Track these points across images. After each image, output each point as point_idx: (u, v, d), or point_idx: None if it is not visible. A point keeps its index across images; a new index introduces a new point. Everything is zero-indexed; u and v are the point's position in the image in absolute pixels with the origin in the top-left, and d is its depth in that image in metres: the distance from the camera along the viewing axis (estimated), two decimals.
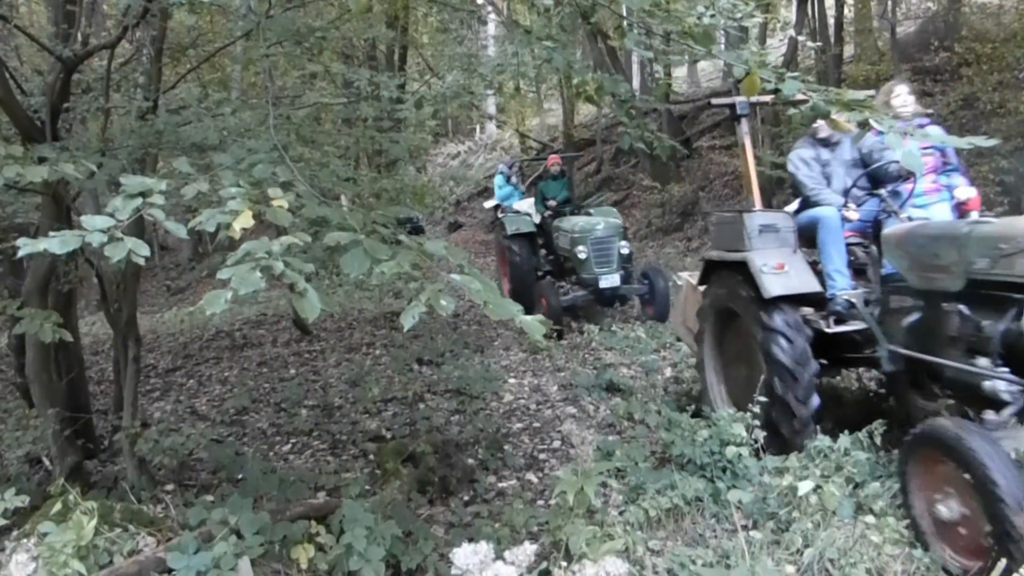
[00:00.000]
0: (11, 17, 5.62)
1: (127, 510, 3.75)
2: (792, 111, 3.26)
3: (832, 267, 5.15)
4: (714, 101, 6.44)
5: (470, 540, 3.22)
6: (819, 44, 12.87)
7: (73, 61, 5.09)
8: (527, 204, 12.63)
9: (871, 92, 5.69)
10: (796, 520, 4.09)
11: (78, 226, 2.35)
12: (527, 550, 1.94)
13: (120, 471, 5.76)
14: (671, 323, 8.16)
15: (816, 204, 5.50)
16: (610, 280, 10.20)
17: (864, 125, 3.05)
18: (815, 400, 4.92)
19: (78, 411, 6.21)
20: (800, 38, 5.59)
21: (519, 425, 6.96)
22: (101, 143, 5.16)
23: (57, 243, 2.29)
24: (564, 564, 2.84)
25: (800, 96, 3.20)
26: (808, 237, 5.36)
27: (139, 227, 4.39)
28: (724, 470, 4.66)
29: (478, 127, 35.87)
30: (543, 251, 12.05)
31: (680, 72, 26.56)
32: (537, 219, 12.06)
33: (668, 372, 7.91)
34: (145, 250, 2.36)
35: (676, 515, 4.36)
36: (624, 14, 4.28)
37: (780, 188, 14.07)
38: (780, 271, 5.05)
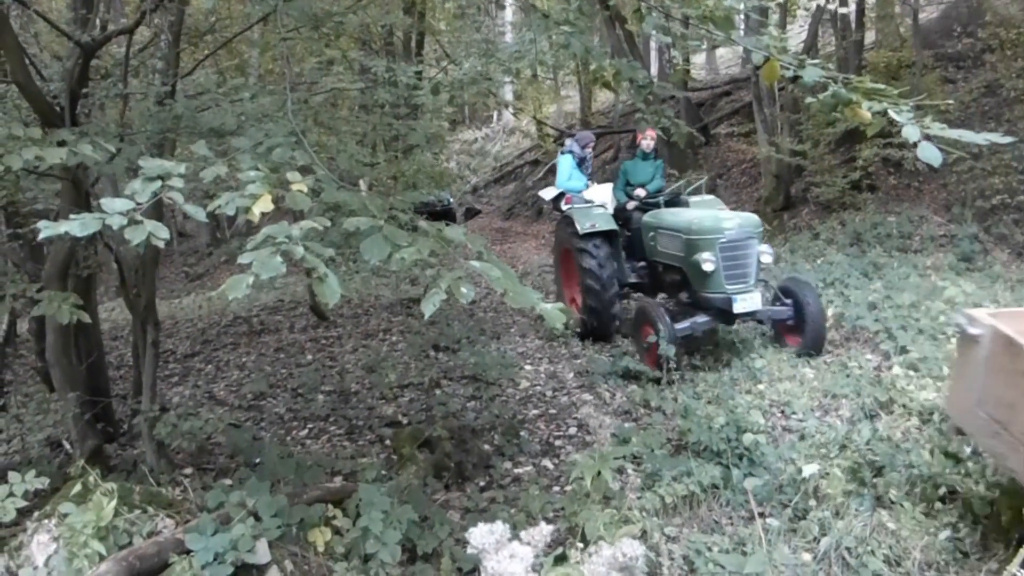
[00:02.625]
0: (30, 2, 5.64)
1: (146, 492, 3.79)
2: (810, 99, 3.20)
3: None
4: None
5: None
6: (843, 12, 12.70)
7: (92, 46, 5.10)
8: (600, 192, 9.47)
9: None
10: (813, 508, 4.08)
11: (97, 211, 2.36)
12: (543, 531, 1.94)
13: (139, 455, 5.81)
14: (946, 403, 4.61)
15: None
16: (749, 301, 7.28)
17: (883, 115, 2.98)
18: None
19: (98, 395, 6.26)
20: (830, 5, 5.51)
21: (535, 411, 6.96)
22: (120, 128, 5.19)
23: (78, 225, 2.30)
24: (581, 546, 2.84)
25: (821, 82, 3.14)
26: None
27: (158, 212, 4.42)
28: (741, 457, 4.65)
29: (495, 114, 35.84)
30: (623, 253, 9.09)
31: (698, 59, 26.41)
32: (610, 209, 9.19)
33: (684, 359, 7.88)
34: (165, 233, 2.36)
35: (692, 502, 4.36)
36: None
37: (799, 176, 13.99)
38: None
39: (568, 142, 9.87)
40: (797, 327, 7.40)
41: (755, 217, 7.81)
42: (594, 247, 8.57)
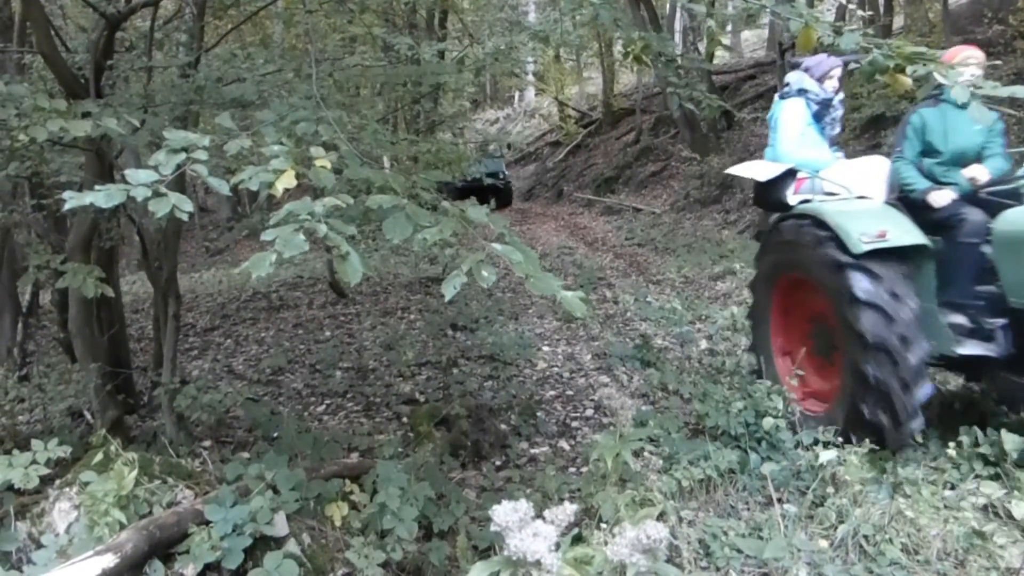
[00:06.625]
0: None
1: (166, 463, 3.82)
2: (852, 65, 3.11)
3: None
4: None
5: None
6: (869, 13, 12.55)
7: (117, 18, 5.11)
8: (863, 170, 5.22)
9: None
10: (830, 495, 4.06)
11: (121, 183, 2.36)
12: (567, 509, 1.94)
13: (159, 426, 5.86)
14: None
15: None
16: None
17: (924, 81, 2.90)
18: None
19: (119, 367, 6.32)
20: (851, 5, 5.37)
21: (552, 392, 6.97)
22: (143, 101, 5.20)
23: (103, 197, 2.31)
24: (604, 526, 2.84)
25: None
26: None
27: (181, 185, 4.43)
28: (759, 441, 4.63)
29: (517, 94, 35.75)
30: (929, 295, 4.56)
31: (723, 41, 26.18)
32: (879, 196, 5.06)
33: (703, 344, 7.85)
34: (189, 205, 2.37)
35: (708, 486, 4.34)
36: None
37: None
38: None
39: (794, 75, 5.40)
40: None
41: None
42: (885, 274, 4.41)
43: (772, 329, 5.49)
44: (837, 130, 5.51)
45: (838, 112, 5.44)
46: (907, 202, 4.76)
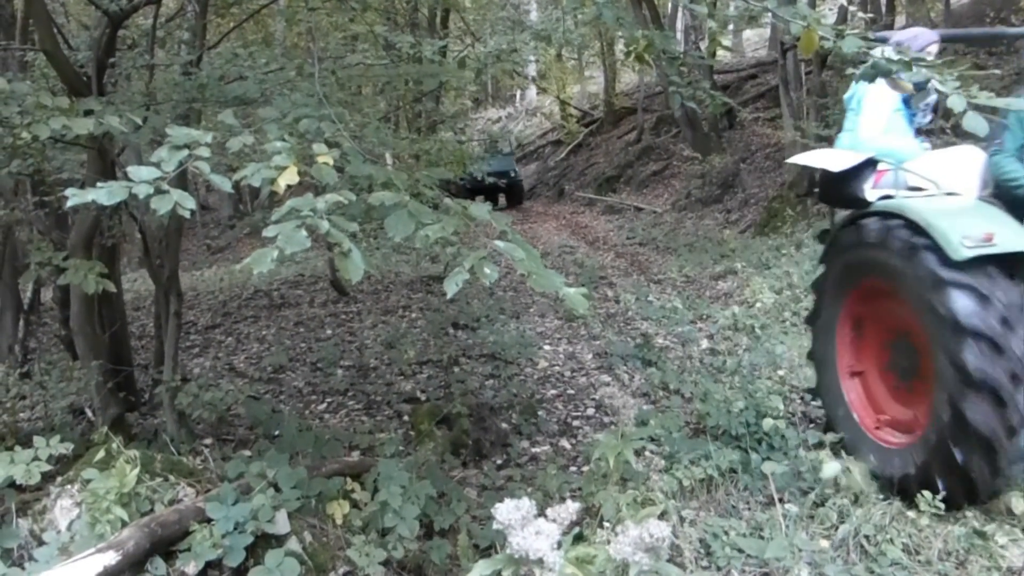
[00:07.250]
0: None
1: (167, 461, 3.82)
2: (851, 70, 3.11)
3: None
4: None
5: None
6: (870, 15, 12.54)
7: (119, 16, 5.11)
8: (953, 163, 4.40)
9: None
10: (831, 496, 4.05)
11: (123, 180, 2.36)
12: (569, 508, 1.94)
13: (160, 424, 5.86)
14: None
15: None
16: None
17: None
18: None
19: (120, 364, 6.31)
20: (852, 7, 5.31)
21: (553, 391, 6.97)
22: (146, 99, 5.19)
23: (104, 194, 2.30)
24: (606, 525, 2.84)
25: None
26: None
27: (183, 183, 4.43)
28: (760, 441, 4.63)
29: (518, 93, 35.75)
30: None
31: (723, 42, 26.18)
32: (971, 192, 4.24)
33: (705, 343, 7.85)
34: (191, 203, 2.36)
35: (709, 485, 4.34)
36: None
37: None
38: None
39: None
40: None
41: None
42: (994, 295, 3.65)
43: (839, 343, 4.72)
44: (929, 118, 4.91)
45: (932, 96, 4.70)
46: (1008, 200, 4.01)
